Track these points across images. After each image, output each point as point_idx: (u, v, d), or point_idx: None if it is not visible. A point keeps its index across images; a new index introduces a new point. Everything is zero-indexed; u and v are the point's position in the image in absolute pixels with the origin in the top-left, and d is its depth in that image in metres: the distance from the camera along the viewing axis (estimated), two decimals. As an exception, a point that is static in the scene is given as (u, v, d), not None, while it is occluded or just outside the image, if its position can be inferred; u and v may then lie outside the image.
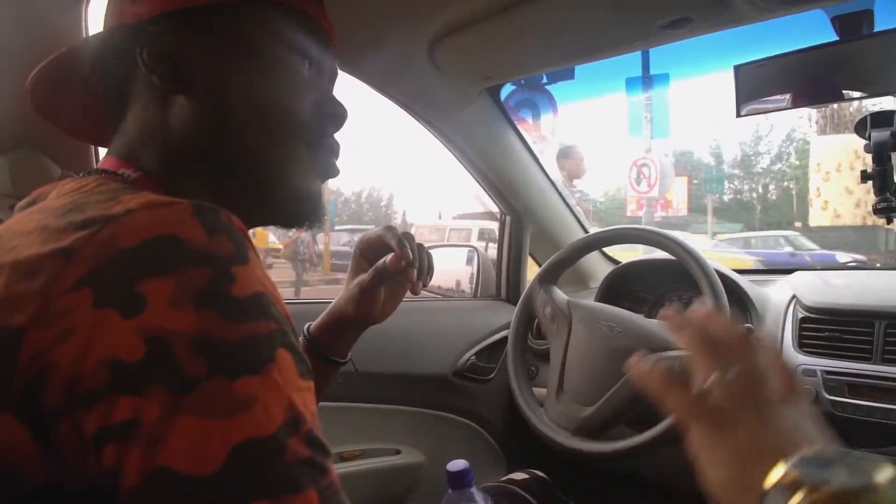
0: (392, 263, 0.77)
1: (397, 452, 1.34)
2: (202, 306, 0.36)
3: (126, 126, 0.55)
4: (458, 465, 0.88)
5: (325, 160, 0.60)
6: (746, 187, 23.27)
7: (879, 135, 0.96)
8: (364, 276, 0.79)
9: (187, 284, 0.36)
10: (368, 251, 0.81)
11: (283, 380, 0.37)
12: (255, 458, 0.34)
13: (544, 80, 2.07)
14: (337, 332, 0.82)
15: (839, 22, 0.98)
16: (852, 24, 0.96)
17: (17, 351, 0.35)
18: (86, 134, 0.64)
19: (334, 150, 0.62)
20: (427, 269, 0.80)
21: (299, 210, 0.58)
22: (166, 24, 0.52)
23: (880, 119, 0.97)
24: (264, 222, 0.59)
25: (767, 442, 0.41)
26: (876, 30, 0.95)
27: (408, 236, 0.78)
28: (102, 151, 0.88)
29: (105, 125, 0.58)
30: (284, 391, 0.37)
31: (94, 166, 0.87)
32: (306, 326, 0.84)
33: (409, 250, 0.76)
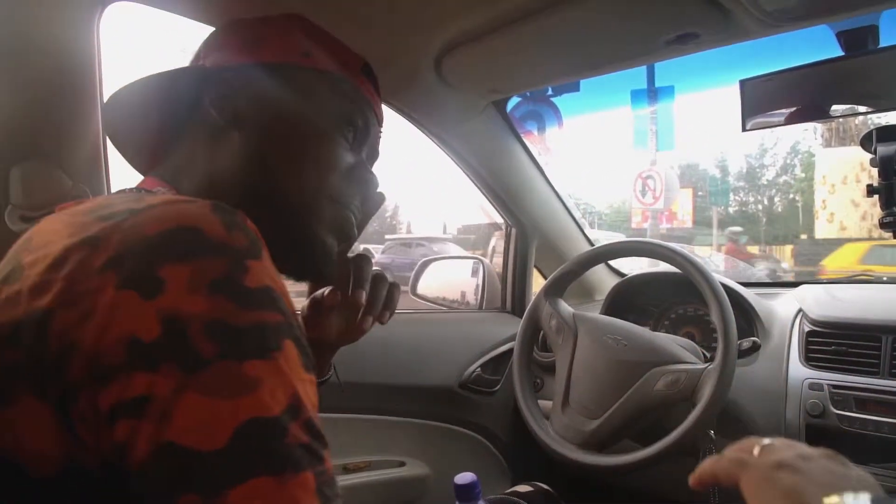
0: (329, 298, 0.74)
1: (402, 464, 1.34)
2: (216, 293, 0.38)
3: (175, 157, 0.61)
4: (465, 477, 0.88)
5: (345, 222, 0.63)
6: (752, 199, 23.19)
7: (885, 149, 0.96)
8: (317, 295, 0.76)
9: (204, 272, 0.38)
10: None
11: (288, 368, 0.39)
12: (259, 437, 0.36)
13: (550, 93, 2.08)
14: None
15: (844, 37, 0.99)
16: (858, 40, 0.97)
17: (47, 331, 0.37)
18: (135, 157, 0.67)
19: (355, 215, 0.65)
20: (385, 305, 0.76)
21: (310, 258, 0.61)
22: (237, 72, 0.59)
23: (886, 133, 0.97)
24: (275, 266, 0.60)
25: (816, 482, 0.45)
26: (881, 45, 0.96)
27: (361, 264, 0.74)
28: (113, 166, 0.90)
29: (154, 153, 0.64)
30: (289, 378, 0.39)
31: (105, 179, 0.89)
32: None
33: (358, 287, 0.73)
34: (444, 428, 1.42)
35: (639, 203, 8.90)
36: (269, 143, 0.59)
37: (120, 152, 0.67)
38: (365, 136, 0.66)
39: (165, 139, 0.63)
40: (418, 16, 0.97)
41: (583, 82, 1.54)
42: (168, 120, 0.62)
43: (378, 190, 0.67)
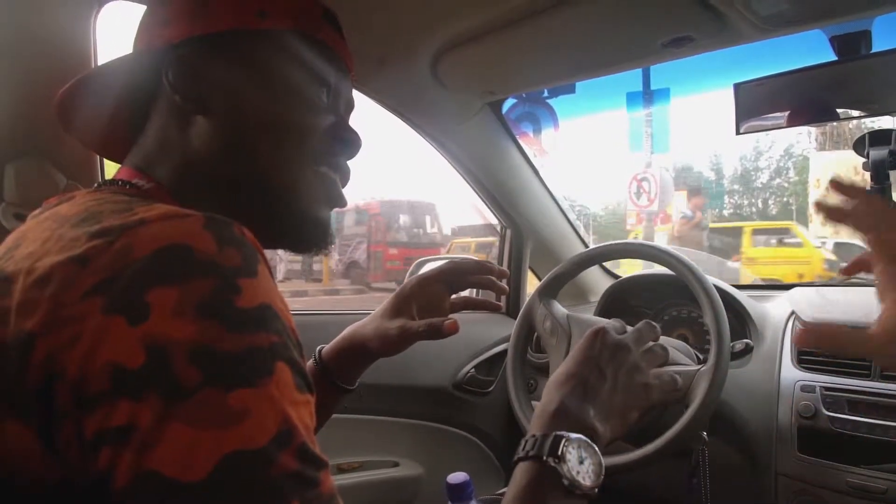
0: (449, 328, 0.75)
1: (396, 464, 1.34)
2: (204, 317, 0.37)
3: (145, 141, 0.57)
4: (458, 477, 0.88)
5: (333, 187, 0.62)
6: (746, 202, 23.28)
7: (878, 153, 0.97)
8: (416, 326, 0.77)
9: (192, 294, 0.37)
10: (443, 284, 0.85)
11: (279, 393, 0.38)
12: (243, 469, 0.35)
13: (545, 94, 2.08)
14: (352, 359, 0.82)
15: (837, 42, 0.99)
16: (851, 45, 0.98)
17: (30, 355, 0.36)
18: (104, 147, 0.65)
19: (344, 177, 0.63)
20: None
21: (306, 235, 0.60)
22: (192, 48, 0.55)
23: (879, 138, 0.98)
24: (272, 244, 0.60)
25: None
26: (874, 50, 0.96)
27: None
28: (108, 163, 0.90)
29: (124, 140, 0.60)
30: (280, 404, 0.38)
31: (99, 176, 0.89)
32: (318, 349, 0.83)
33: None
34: (438, 428, 1.42)
35: (634, 205, 8.90)
36: (241, 123, 0.55)
37: (85, 145, 0.65)
38: (339, 91, 0.63)
39: (130, 125, 0.59)
40: (414, 17, 0.97)
41: (578, 84, 1.54)
42: (128, 106, 0.59)
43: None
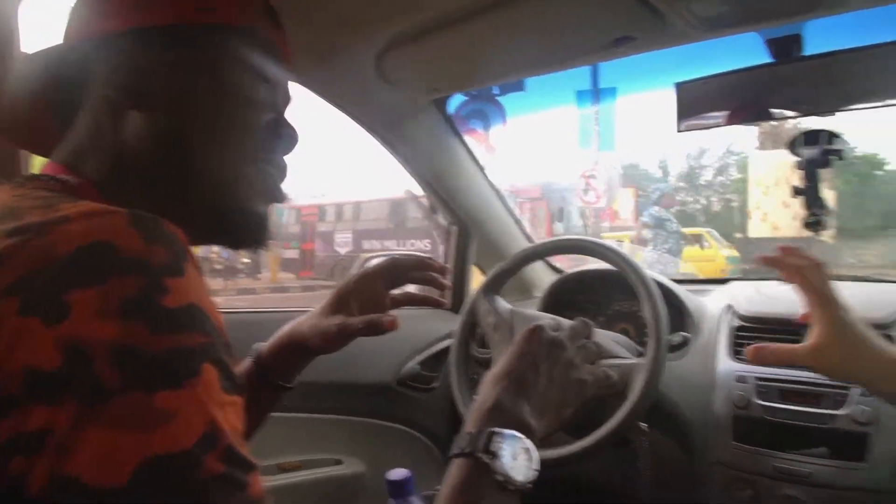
0: (389, 325, 0.75)
1: (339, 462, 1.33)
2: (129, 316, 0.36)
3: (74, 136, 0.55)
4: (398, 473, 0.87)
5: (271, 183, 0.61)
6: (691, 199, 24.00)
7: (809, 152, 1.01)
8: (355, 323, 0.76)
9: (116, 293, 0.36)
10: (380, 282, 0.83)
11: (205, 395, 0.37)
12: (166, 473, 0.34)
13: (496, 92, 2.08)
14: (290, 357, 0.81)
15: (773, 45, 1.02)
16: (785, 47, 1.00)
17: None
18: (29, 142, 0.63)
19: (282, 173, 0.62)
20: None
21: (243, 231, 0.59)
22: (129, 41, 0.53)
23: (810, 138, 1.01)
24: (207, 241, 0.59)
25: None
26: (806, 53, 0.99)
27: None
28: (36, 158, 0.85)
29: (51, 135, 0.57)
30: (206, 406, 0.37)
31: (23, 171, 0.85)
32: (257, 349, 0.82)
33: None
34: (381, 425, 1.41)
35: (581, 202, 9.08)
36: (177, 119, 0.54)
37: (8, 139, 0.63)
38: (278, 86, 0.62)
39: (59, 119, 0.57)
40: (358, 13, 0.96)
41: (529, 82, 1.55)
42: (57, 99, 0.57)
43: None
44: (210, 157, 0.55)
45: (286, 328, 0.82)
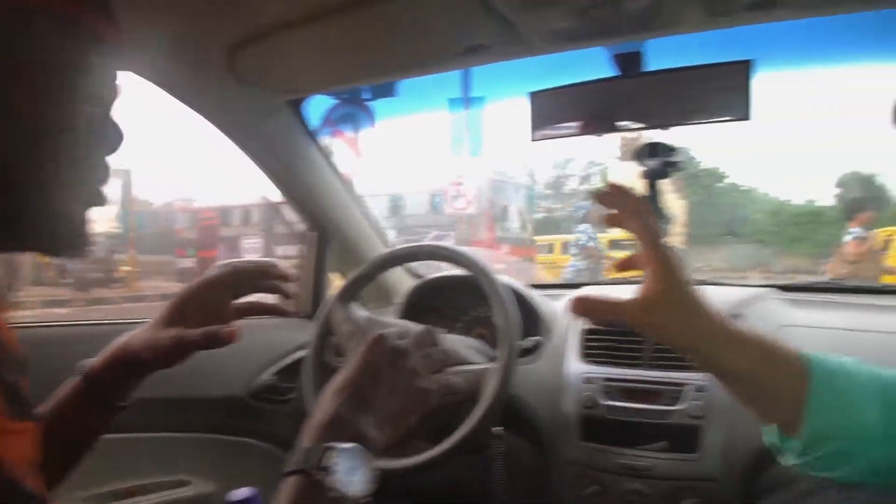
0: (228, 336, 0.72)
1: (185, 484, 1.23)
2: None
3: None
4: (241, 493, 0.83)
5: (90, 185, 0.55)
6: (558, 206, 25.25)
7: (650, 163, 1.07)
8: (192, 336, 0.72)
9: None
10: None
11: None
12: None
13: (367, 97, 2.04)
14: (122, 374, 0.75)
15: (618, 59, 1.07)
16: (628, 63, 1.06)
17: None
18: None
19: (102, 174, 0.57)
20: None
21: (55, 237, 0.53)
22: None
23: (652, 150, 1.08)
24: (21, 248, 0.53)
25: None
26: (646, 69, 1.05)
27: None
28: None
29: None
30: None
31: None
32: (86, 365, 0.74)
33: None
34: (234, 441, 1.34)
35: (451, 208, 9.24)
36: None
37: None
38: (102, 81, 0.56)
39: None
40: (207, 6, 0.91)
41: (402, 87, 1.53)
42: None
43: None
44: (18, 155, 0.49)
45: (118, 342, 0.75)
